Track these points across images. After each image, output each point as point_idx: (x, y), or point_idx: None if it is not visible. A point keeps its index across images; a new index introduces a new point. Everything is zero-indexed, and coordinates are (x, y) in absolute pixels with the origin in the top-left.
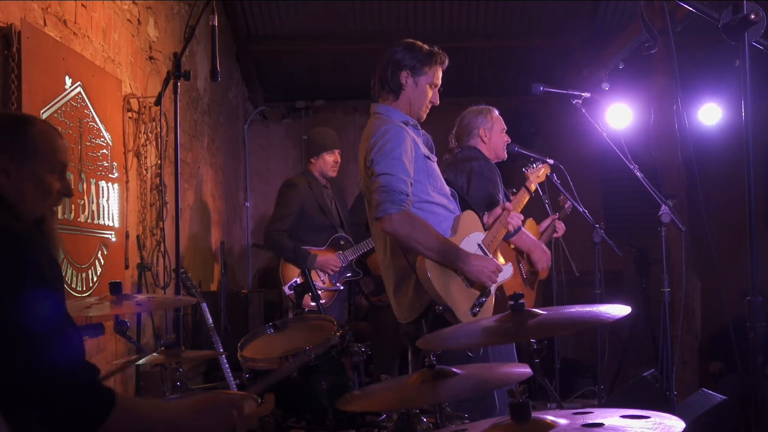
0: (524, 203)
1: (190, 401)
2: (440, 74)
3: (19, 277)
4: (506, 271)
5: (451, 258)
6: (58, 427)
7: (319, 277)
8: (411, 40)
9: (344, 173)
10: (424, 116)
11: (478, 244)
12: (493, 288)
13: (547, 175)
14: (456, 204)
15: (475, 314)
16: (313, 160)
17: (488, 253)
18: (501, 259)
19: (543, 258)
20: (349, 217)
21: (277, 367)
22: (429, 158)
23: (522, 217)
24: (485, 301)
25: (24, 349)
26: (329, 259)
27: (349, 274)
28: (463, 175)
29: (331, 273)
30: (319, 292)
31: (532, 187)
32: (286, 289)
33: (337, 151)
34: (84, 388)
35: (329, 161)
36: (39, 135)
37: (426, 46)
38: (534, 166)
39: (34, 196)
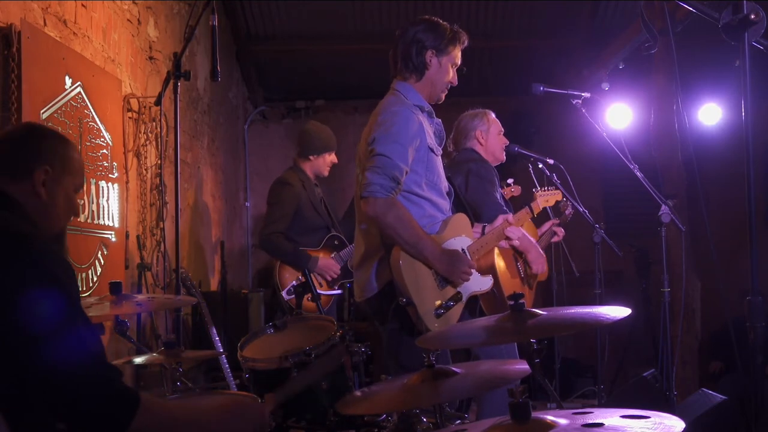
0: (524, 222)
1: (216, 402)
2: (460, 54)
3: (23, 277)
4: (484, 282)
5: (425, 254)
6: (86, 430)
7: (317, 280)
8: (432, 19)
9: (344, 173)
10: (443, 97)
11: (463, 249)
12: (464, 296)
13: (546, 176)
14: (449, 203)
15: (438, 316)
16: (312, 158)
17: (470, 258)
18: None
19: (538, 260)
20: (346, 215)
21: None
22: (433, 151)
23: (522, 232)
24: (453, 305)
25: (26, 350)
26: (330, 263)
27: (347, 278)
28: (461, 175)
29: (330, 279)
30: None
31: (537, 209)
32: (284, 294)
33: (334, 152)
34: (101, 389)
35: (328, 161)
36: (72, 153)
37: (448, 26)
38: (547, 189)
39: (63, 211)
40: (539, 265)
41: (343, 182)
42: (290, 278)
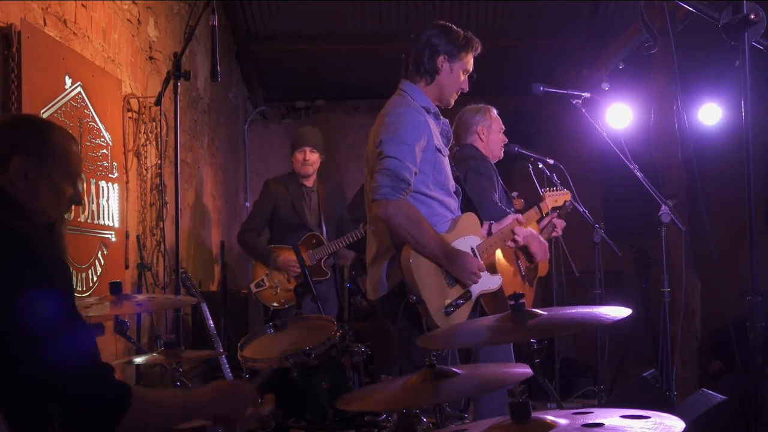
0: (532, 221)
1: (208, 387)
2: (472, 61)
3: (23, 277)
4: (493, 281)
5: (437, 254)
6: (79, 427)
7: (284, 276)
8: (446, 24)
9: (345, 173)
10: (453, 102)
11: (472, 248)
12: (474, 294)
13: (546, 176)
14: (458, 202)
15: (448, 314)
16: (292, 160)
17: (479, 257)
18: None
19: (541, 249)
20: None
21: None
22: (440, 151)
23: (530, 231)
24: (462, 303)
25: (25, 350)
26: (290, 259)
27: (318, 276)
28: (461, 173)
29: (294, 273)
30: (278, 290)
31: (545, 209)
32: (252, 286)
33: (307, 149)
34: (97, 387)
35: (299, 159)
36: (58, 140)
37: (461, 32)
38: (555, 189)
39: (47, 200)
40: (542, 253)
41: (343, 181)
42: (260, 273)
